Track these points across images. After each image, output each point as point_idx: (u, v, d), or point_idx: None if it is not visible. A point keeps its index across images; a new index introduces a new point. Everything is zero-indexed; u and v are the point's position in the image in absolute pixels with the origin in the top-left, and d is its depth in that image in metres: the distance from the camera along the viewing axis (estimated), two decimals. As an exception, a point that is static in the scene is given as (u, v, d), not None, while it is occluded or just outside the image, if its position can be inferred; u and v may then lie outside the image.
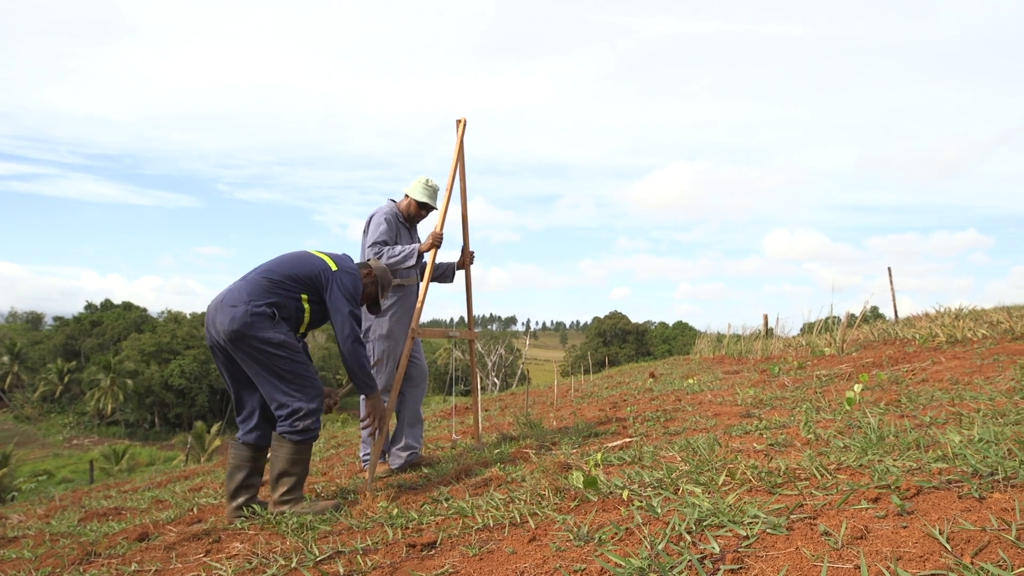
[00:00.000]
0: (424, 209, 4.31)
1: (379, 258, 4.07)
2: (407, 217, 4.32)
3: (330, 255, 3.53)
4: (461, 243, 4.62)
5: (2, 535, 4.49)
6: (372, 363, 4.20)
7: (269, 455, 3.36)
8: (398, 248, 4.08)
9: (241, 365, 3.28)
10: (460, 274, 4.64)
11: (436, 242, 4.12)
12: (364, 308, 4.18)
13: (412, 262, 4.06)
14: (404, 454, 4.24)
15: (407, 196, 4.32)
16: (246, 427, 3.38)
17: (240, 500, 3.37)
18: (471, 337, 4.78)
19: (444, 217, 4.19)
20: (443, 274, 4.55)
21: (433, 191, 4.29)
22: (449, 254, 4.56)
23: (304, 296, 3.38)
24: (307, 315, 3.41)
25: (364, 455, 4.31)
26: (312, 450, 3.32)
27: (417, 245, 4.09)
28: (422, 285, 4.13)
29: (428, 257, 4.17)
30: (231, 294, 3.30)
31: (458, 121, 4.46)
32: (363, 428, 3.57)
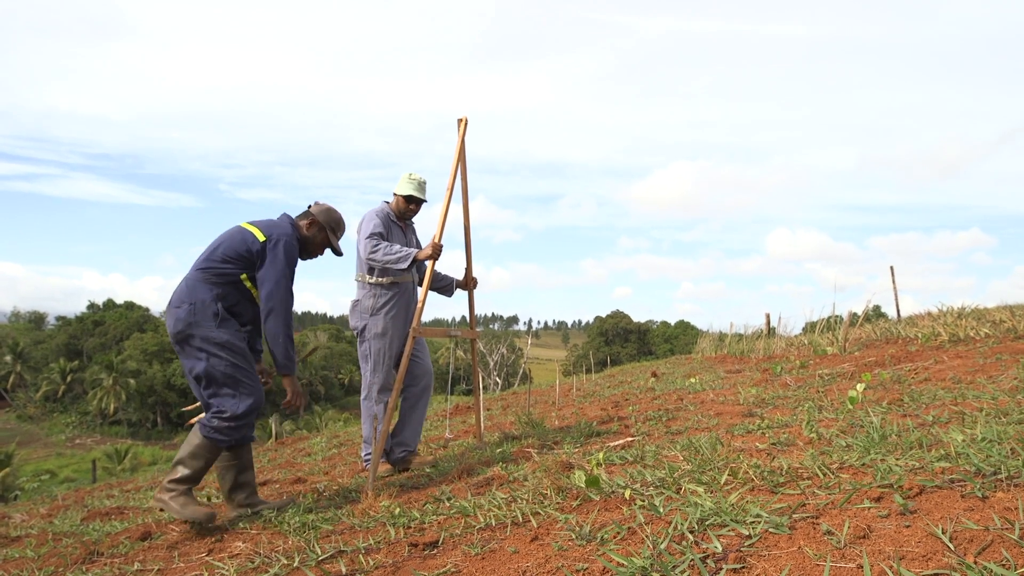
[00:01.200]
0: (413, 203, 4.29)
1: (375, 252, 4.04)
2: (399, 215, 4.32)
3: (260, 225, 3.37)
4: (462, 244, 4.63)
5: (5, 534, 4.50)
6: (369, 364, 4.20)
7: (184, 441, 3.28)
8: (396, 247, 4.06)
9: (184, 364, 3.25)
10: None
11: (435, 253, 4.10)
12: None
13: (404, 266, 4.03)
14: (398, 449, 4.27)
15: (395, 195, 4.32)
16: None
17: (239, 498, 3.37)
18: (473, 336, 4.78)
19: (443, 226, 4.16)
20: (443, 287, 4.56)
21: (418, 184, 4.27)
22: (451, 255, 4.56)
23: (243, 276, 3.28)
24: (255, 292, 3.33)
25: (365, 455, 4.32)
26: (219, 454, 3.22)
27: (415, 251, 4.07)
28: (421, 291, 4.11)
29: (427, 265, 4.15)
30: (175, 295, 3.25)
31: (459, 120, 4.44)
32: (284, 406, 3.41)
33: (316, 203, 3.59)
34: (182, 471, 3.16)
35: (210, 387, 3.19)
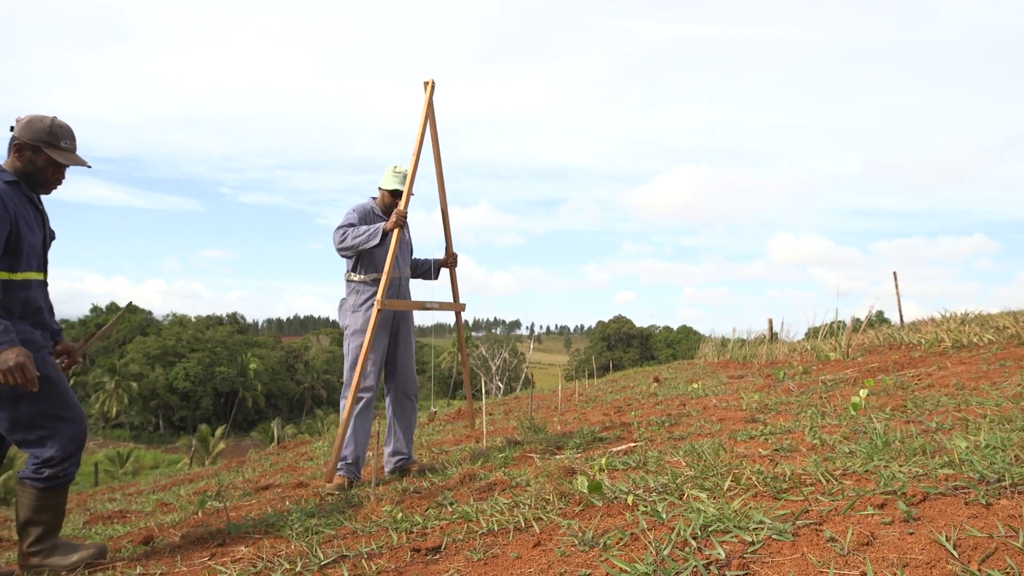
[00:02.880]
0: (397, 196, 4.19)
1: (344, 241, 3.96)
2: (384, 209, 4.22)
3: None
4: (443, 232, 4.52)
5: (8, 537, 4.51)
6: (348, 362, 4.03)
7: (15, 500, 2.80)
8: (362, 228, 3.97)
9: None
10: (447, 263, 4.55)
11: (399, 220, 3.96)
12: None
13: (376, 241, 3.92)
14: (394, 459, 4.23)
15: (380, 189, 4.24)
16: None
17: (28, 540, 2.81)
18: (458, 309, 4.56)
19: (408, 194, 4.04)
20: (426, 272, 4.47)
21: (403, 176, 4.17)
22: (434, 232, 4.42)
23: None
24: (18, 276, 2.69)
25: (340, 465, 4.04)
26: (65, 496, 2.81)
27: (381, 224, 3.96)
28: (387, 259, 3.94)
29: (393, 236, 3.99)
30: None
31: (426, 83, 4.26)
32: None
33: (17, 120, 2.77)
34: (36, 531, 2.74)
35: (16, 433, 2.68)
